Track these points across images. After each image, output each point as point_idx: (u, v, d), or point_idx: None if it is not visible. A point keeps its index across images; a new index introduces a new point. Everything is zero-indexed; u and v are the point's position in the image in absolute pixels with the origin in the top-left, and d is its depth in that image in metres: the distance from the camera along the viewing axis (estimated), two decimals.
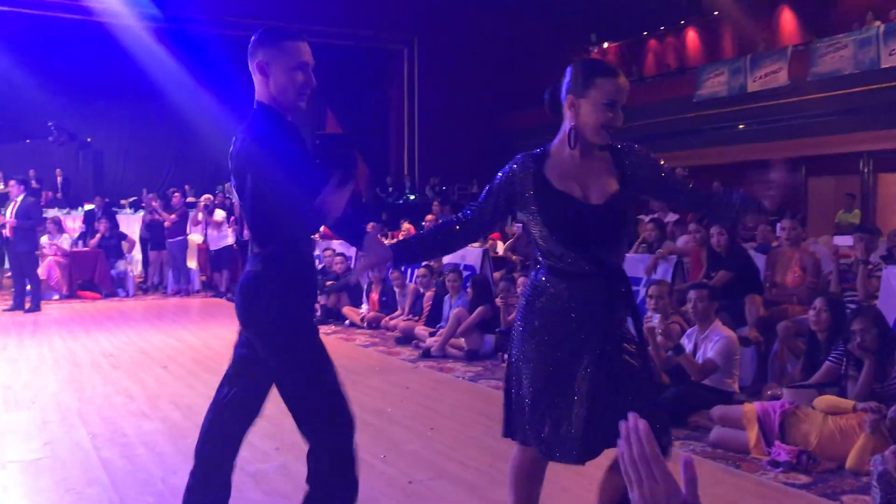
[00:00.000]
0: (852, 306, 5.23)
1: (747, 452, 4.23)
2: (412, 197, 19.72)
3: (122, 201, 16.59)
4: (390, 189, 20.02)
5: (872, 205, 16.19)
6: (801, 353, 5.29)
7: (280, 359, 2.67)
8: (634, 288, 6.95)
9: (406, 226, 13.47)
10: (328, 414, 2.70)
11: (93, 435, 4.63)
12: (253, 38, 2.65)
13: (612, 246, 2.58)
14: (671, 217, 9.25)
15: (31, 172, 15.98)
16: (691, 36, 22.24)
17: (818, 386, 4.58)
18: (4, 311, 10.44)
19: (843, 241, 6.65)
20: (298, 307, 2.69)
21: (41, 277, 11.07)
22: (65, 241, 12.21)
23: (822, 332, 4.90)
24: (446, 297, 8.11)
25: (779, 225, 6.50)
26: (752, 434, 4.21)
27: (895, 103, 12.68)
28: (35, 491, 3.72)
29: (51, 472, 3.98)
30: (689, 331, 5.38)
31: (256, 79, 2.65)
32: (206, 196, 13.21)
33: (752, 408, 4.30)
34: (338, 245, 11.27)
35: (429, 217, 12.53)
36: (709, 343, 5.11)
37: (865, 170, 16.49)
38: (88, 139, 19.27)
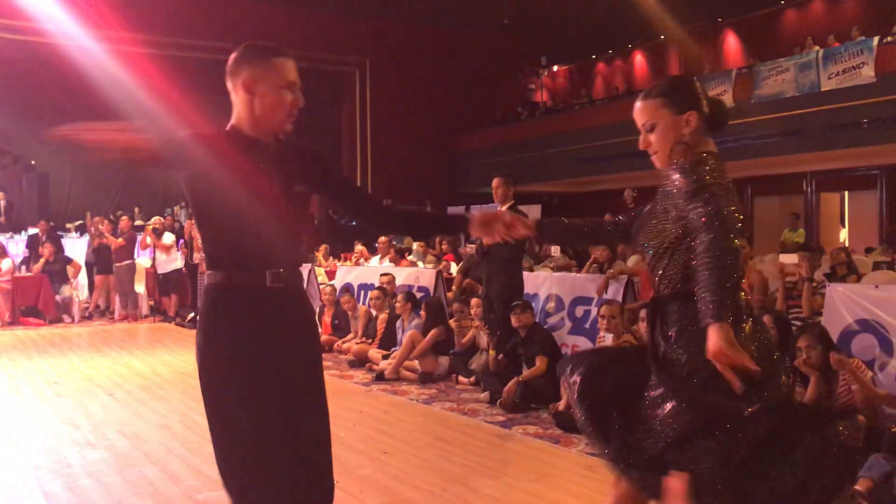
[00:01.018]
0: (798, 323, 5.34)
1: None
2: None
3: (68, 225, 16.25)
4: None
5: (816, 223, 16.65)
6: None
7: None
8: (586, 308, 7.05)
9: (359, 247, 13.41)
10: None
11: (35, 466, 4.49)
12: (235, 54, 2.43)
13: None
14: None
15: None
16: (639, 59, 22.72)
17: None
18: None
19: (789, 258, 6.79)
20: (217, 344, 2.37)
21: None
22: (7, 264, 11.89)
23: None
24: (399, 320, 8.08)
25: None
26: None
27: (835, 125, 13.09)
28: None
29: None
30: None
31: (239, 97, 2.42)
32: (156, 219, 13.00)
33: None
34: None
35: (381, 239, 12.46)
36: None
37: (808, 189, 16.96)
38: (32, 162, 18.86)
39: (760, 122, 14.37)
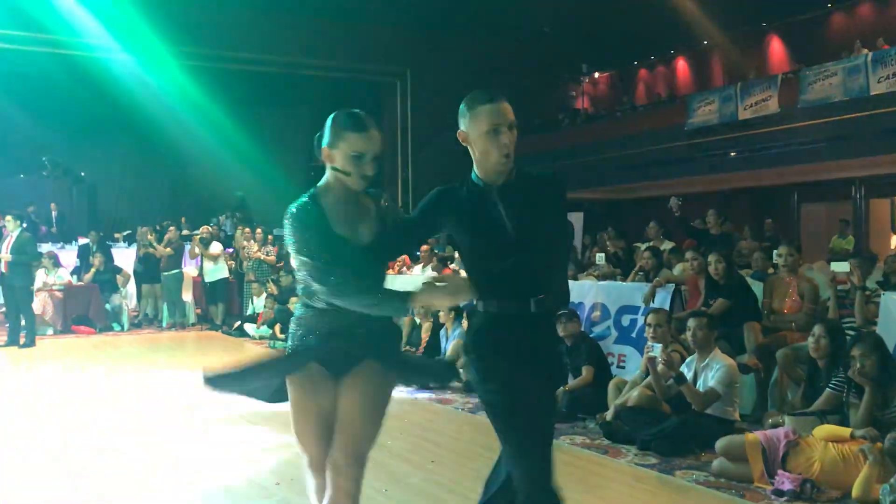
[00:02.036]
0: (851, 333, 5.24)
1: (751, 482, 4.21)
2: None
3: (116, 235, 16.56)
4: None
5: (865, 230, 16.29)
6: (801, 379, 5.28)
7: None
8: (632, 317, 6.99)
9: (402, 256, 13.47)
10: None
11: (79, 470, 4.58)
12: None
13: None
14: (667, 245, 9.28)
15: (31, 208, 15.99)
16: (681, 65, 22.50)
17: (820, 413, 4.56)
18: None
19: (839, 266, 6.66)
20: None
21: (36, 312, 11.01)
22: (64, 275, 12.19)
23: (822, 358, 4.90)
24: (443, 329, 8.09)
25: (775, 252, 6.51)
26: (756, 466, 4.18)
27: (885, 130, 12.81)
28: None
29: None
30: (688, 359, 5.37)
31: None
32: (203, 228, 13.20)
33: (755, 438, 4.28)
34: None
35: (423, 247, 12.52)
36: (709, 371, 5.11)
37: (857, 196, 16.62)
38: (82, 173, 19.32)
39: (807, 127, 14.13)
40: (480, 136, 2.54)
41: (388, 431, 5.53)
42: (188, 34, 17.10)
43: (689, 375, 5.25)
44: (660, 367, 5.23)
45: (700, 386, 5.14)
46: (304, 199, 2.65)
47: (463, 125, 2.60)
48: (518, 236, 2.53)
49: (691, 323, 5.25)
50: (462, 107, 2.61)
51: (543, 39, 21.18)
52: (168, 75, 16.74)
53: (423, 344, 8.29)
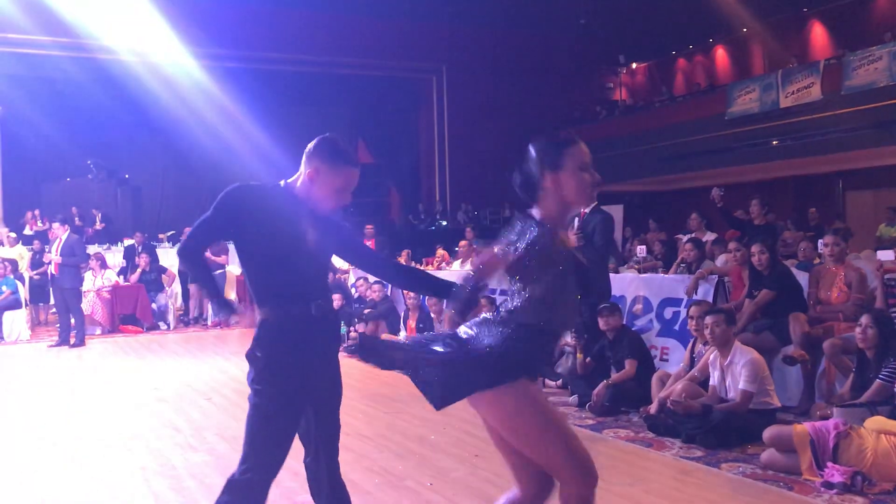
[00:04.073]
0: None
1: (799, 474, 4.16)
2: (444, 223, 19.79)
3: (161, 235, 16.85)
4: (422, 216, 20.12)
5: None
6: (849, 370, 5.20)
7: None
8: (675, 309, 6.93)
9: (440, 252, 13.51)
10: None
11: (143, 467, 4.69)
12: (315, 141, 2.78)
13: None
14: (710, 236, 9.17)
15: (74, 210, 16.34)
16: (720, 53, 22.18)
17: (870, 405, 4.49)
18: (50, 346, 10.63)
19: (886, 255, 6.53)
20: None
21: (85, 313, 11.26)
22: (111, 276, 12.45)
23: (871, 349, 4.81)
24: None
25: (821, 241, 6.40)
26: (805, 457, 4.13)
27: None
28: None
29: None
30: (711, 358, 5.29)
31: (305, 174, 2.78)
32: None
33: (803, 429, 4.23)
34: None
35: (462, 243, 12.55)
36: (734, 368, 5.04)
37: None
38: (126, 176, 19.69)
39: (851, 113, 13.87)
40: (328, 186, 2.74)
41: (432, 426, 5.60)
42: (226, 35, 17.33)
43: (716, 377, 5.19)
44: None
45: (729, 385, 5.08)
46: None
47: (316, 164, 2.74)
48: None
49: (709, 320, 5.16)
50: (321, 148, 2.75)
51: (580, 31, 21.05)
52: (211, 76, 16.96)
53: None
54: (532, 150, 2.60)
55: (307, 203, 2.80)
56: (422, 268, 12.92)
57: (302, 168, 2.81)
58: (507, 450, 2.58)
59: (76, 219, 15.37)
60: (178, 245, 2.85)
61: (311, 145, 2.79)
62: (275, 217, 2.72)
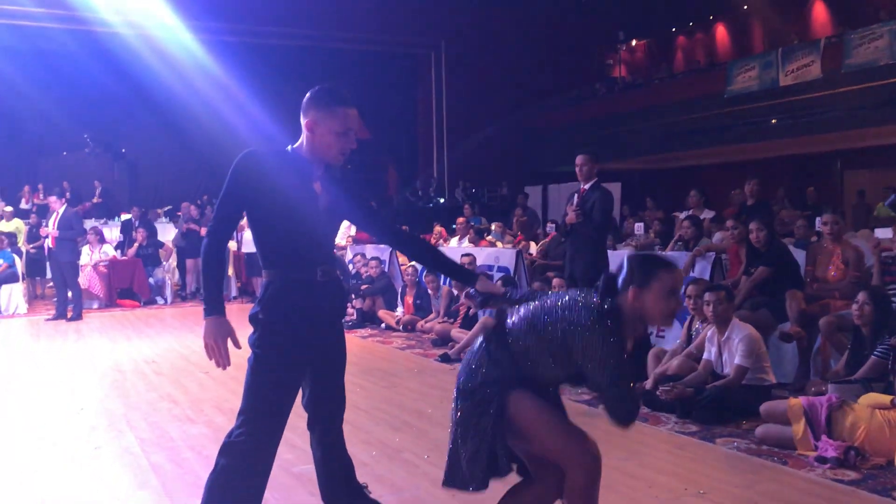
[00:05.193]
0: None
1: (793, 448, 4.20)
2: (441, 200, 19.77)
3: (158, 210, 16.82)
4: (419, 192, 20.09)
5: None
6: (845, 347, 5.23)
7: None
8: None
9: (438, 229, 13.51)
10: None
11: (140, 440, 4.72)
12: (307, 95, 2.79)
13: None
14: (707, 214, 9.18)
15: (65, 184, 16.29)
16: (720, 31, 22.08)
17: (864, 381, 4.52)
18: (47, 320, 10.64)
19: (883, 233, 6.55)
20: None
21: (82, 286, 11.26)
22: (109, 250, 12.44)
23: (867, 325, 4.84)
24: None
25: (819, 219, 6.40)
26: (799, 428, 4.17)
27: None
28: (87, 494, 3.80)
29: (102, 477, 4.06)
30: (709, 334, 5.31)
31: (304, 131, 2.81)
32: None
33: (797, 402, 4.26)
34: (371, 249, 11.33)
35: (460, 220, 12.55)
36: (731, 344, 5.06)
37: None
38: (123, 150, 19.61)
39: (851, 92, 13.81)
40: (330, 133, 2.75)
41: (429, 400, 5.64)
42: (220, 11, 17.19)
43: (712, 352, 5.21)
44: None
45: (725, 360, 5.11)
46: None
47: (312, 115, 2.76)
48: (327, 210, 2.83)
49: (709, 297, 5.17)
50: (316, 97, 2.77)
51: (579, 7, 20.90)
52: (201, 51, 16.84)
53: (461, 314, 8.34)
54: (625, 262, 2.61)
55: (316, 164, 2.82)
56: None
57: (303, 129, 2.82)
58: (519, 449, 2.68)
59: (66, 193, 15.31)
60: (203, 243, 2.87)
61: (304, 100, 2.80)
62: (286, 181, 2.73)
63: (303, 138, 2.83)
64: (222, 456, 2.77)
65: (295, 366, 2.82)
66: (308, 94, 2.80)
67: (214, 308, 2.77)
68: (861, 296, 4.90)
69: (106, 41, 16.57)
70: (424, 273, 9.48)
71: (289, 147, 2.85)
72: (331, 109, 2.75)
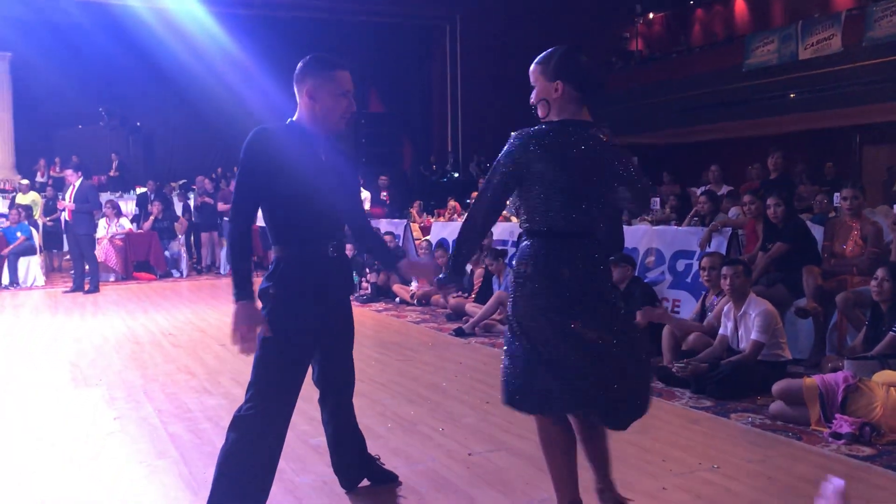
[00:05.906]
0: None
1: (808, 425, 4.19)
2: (455, 174, 19.71)
3: (173, 184, 16.87)
4: (433, 167, 20.03)
5: None
6: (861, 324, 5.20)
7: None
8: (687, 262, 6.92)
9: (452, 203, 13.49)
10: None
11: (159, 410, 4.77)
12: (300, 65, 2.84)
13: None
14: (724, 189, 9.11)
15: (74, 158, 16.34)
16: (739, 4, 21.74)
17: (881, 357, 4.50)
18: (65, 292, 10.75)
19: None
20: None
21: (99, 259, 11.35)
22: (125, 223, 12.52)
23: (885, 301, 4.81)
24: (494, 276, 8.12)
25: (838, 195, 6.34)
26: (814, 410, 4.15)
27: None
28: (108, 463, 3.85)
29: (122, 446, 4.11)
30: (725, 309, 5.29)
31: (303, 102, 2.84)
32: None
33: (813, 382, 4.24)
34: (385, 224, 11.34)
35: (474, 195, 12.52)
36: (748, 319, 5.04)
37: None
38: (138, 123, 19.64)
39: (871, 66, 13.62)
40: (331, 97, 2.81)
41: (444, 374, 5.66)
42: None
43: (728, 326, 5.20)
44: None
45: (742, 335, 5.09)
46: None
47: (310, 83, 2.81)
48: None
49: (727, 271, 5.14)
50: (311, 65, 2.84)
51: None
52: (214, 25, 16.77)
53: (475, 289, 8.34)
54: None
55: (319, 135, 2.86)
56: (433, 220, 12.93)
57: (298, 100, 2.86)
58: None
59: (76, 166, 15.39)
60: (227, 231, 2.92)
61: (297, 71, 2.85)
62: (297, 156, 2.75)
63: (301, 110, 2.85)
64: (232, 430, 2.79)
65: (305, 341, 2.83)
66: (300, 64, 2.84)
67: (245, 293, 2.76)
68: (880, 272, 4.86)
69: (120, 14, 16.53)
70: (436, 248, 9.49)
71: (288, 121, 2.88)
72: (328, 73, 2.81)
